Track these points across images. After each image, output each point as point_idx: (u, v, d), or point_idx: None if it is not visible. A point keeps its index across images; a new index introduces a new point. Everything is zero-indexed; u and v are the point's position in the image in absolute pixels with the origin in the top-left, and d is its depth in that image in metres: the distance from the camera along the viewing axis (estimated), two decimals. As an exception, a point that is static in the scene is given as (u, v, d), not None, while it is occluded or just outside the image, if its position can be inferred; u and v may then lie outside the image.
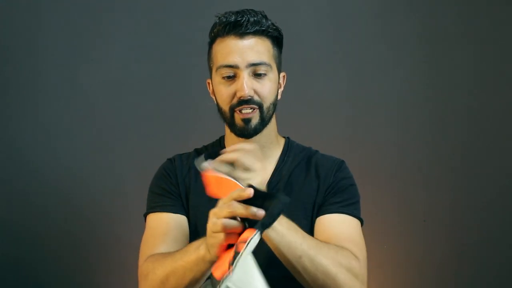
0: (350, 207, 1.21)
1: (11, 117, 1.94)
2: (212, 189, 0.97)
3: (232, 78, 1.18)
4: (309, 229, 1.19)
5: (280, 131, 1.31)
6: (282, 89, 1.27)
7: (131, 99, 1.98)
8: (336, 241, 1.11)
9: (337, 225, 1.17)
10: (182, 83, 1.99)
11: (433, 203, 1.97)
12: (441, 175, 1.97)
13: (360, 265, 1.09)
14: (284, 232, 0.99)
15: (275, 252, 1.01)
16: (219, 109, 1.23)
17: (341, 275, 1.03)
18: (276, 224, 0.94)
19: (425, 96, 1.99)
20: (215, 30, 1.20)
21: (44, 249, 1.92)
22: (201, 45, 2.01)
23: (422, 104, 1.99)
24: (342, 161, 1.28)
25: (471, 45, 1.98)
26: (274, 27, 1.21)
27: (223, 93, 1.19)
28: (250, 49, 1.17)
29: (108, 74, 1.96)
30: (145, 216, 1.26)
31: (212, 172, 0.97)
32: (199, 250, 1.00)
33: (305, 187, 1.23)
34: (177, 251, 1.08)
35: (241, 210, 0.90)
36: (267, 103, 1.19)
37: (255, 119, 1.18)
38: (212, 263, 0.95)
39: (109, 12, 1.98)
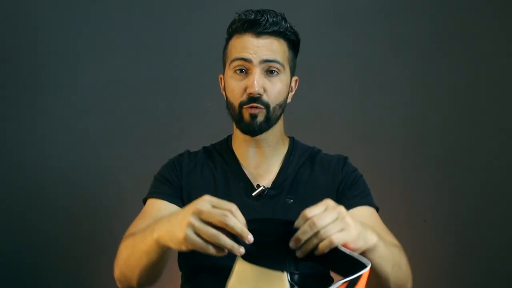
0: (368, 198, 1.24)
1: (11, 117, 1.95)
2: None
3: (244, 73, 1.19)
4: None
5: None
6: (293, 92, 1.29)
7: (131, 99, 1.98)
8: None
9: (366, 218, 1.18)
10: (182, 83, 1.99)
11: (433, 203, 1.97)
12: (441, 175, 1.97)
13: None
14: (382, 250, 0.94)
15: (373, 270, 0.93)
16: (228, 104, 1.23)
17: (409, 271, 1.08)
18: (377, 243, 0.91)
19: (424, 97, 1.99)
20: (234, 26, 1.22)
21: (44, 249, 1.93)
22: (202, 45, 2.03)
23: (422, 105, 1.99)
24: (346, 157, 1.30)
25: (472, 45, 1.98)
26: (292, 31, 1.23)
27: (234, 87, 1.20)
28: (265, 47, 1.18)
29: (108, 74, 1.97)
30: (144, 201, 1.26)
31: None
32: (152, 234, 0.93)
33: (312, 184, 1.24)
34: (140, 231, 1.01)
35: (236, 226, 0.80)
36: (273, 103, 1.19)
37: (261, 117, 1.19)
38: (166, 248, 0.89)
39: (109, 12, 1.98)
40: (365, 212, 1.20)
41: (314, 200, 1.17)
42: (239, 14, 1.21)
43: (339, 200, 1.21)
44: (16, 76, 1.95)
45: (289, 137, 1.34)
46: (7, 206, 1.93)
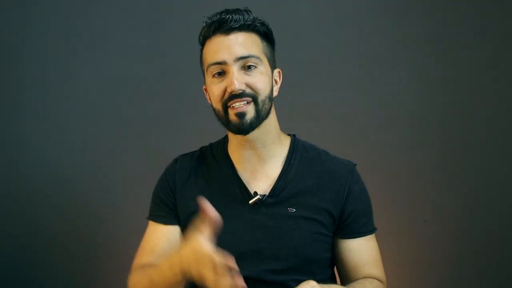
0: (371, 225, 1.25)
1: (11, 116, 1.95)
2: None
3: (222, 75, 1.16)
4: (329, 244, 1.22)
5: (281, 130, 1.29)
6: (279, 85, 1.24)
7: (130, 99, 1.98)
8: (367, 270, 1.20)
9: (366, 249, 1.22)
10: (182, 82, 1.98)
11: (433, 203, 1.97)
12: (441, 175, 1.97)
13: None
14: None
15: None
16: (215, 111, 1.20)
17: None
18: None
19: (424, 96, 1.98)
20: (203, 33, 1.20)
21: (44, 249, 1.93)
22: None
23: (422, 105, 1.98)
24: (354, 167, 1.26)
25: (472, 45, 1.97)
26: (260, 22, 1.19)
27: (215, 91, 1.16)
28: (237, 43, 1.15)
29: (107, 74, 1.96)
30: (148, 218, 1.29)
31: None
32: (173, 269, 1.04)
33: (317, 194, 1.20)
34: (154, 268, 1.12)
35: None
36: (261, 96, 1.15)
37: (250, 113, 1.14)
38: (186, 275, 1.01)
39: (109, 12, 1.98)
40: (365, 243, 1.22)
41: (317, 212, 1.18)
42: (205, 21, 1.19)
43: (345, 222, 1.21)
44: (15, 76, 1.95)
45: (290, 135, 1.28)
46: (6, 207, 1.93)
